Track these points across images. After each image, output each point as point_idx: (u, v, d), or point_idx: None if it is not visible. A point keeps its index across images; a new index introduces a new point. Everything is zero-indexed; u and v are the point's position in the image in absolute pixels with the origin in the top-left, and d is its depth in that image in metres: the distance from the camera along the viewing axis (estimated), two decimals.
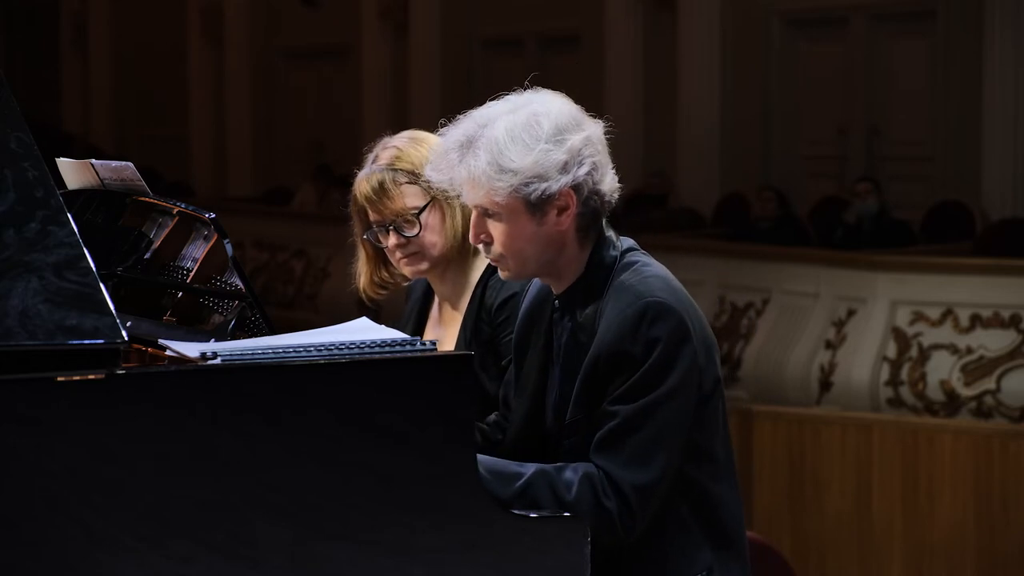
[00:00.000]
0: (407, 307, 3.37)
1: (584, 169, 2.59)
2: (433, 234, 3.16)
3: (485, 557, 2.44)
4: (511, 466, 2.58)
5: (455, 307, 3.25)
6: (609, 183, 2.64)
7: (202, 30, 17.43)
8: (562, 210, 2.60)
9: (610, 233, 2.68)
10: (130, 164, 3.30)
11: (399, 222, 3.15)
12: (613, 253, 2.66)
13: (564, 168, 2.57)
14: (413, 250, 3.16)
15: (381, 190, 3.14)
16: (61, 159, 3.41)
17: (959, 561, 7.55)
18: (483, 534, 2.43)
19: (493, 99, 2.66)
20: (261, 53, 17.07)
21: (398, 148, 3.17)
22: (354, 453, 2.35)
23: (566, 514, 2.52)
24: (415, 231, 3.14)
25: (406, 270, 3.22)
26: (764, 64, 12.45)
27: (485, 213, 2.63)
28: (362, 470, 2.36)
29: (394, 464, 2.37)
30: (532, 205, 2.59)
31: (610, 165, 2.65)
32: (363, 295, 3.30)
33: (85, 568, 2.24)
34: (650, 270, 2.64)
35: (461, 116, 2.65)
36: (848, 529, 7.81)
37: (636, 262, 2.66)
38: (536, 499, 2.53)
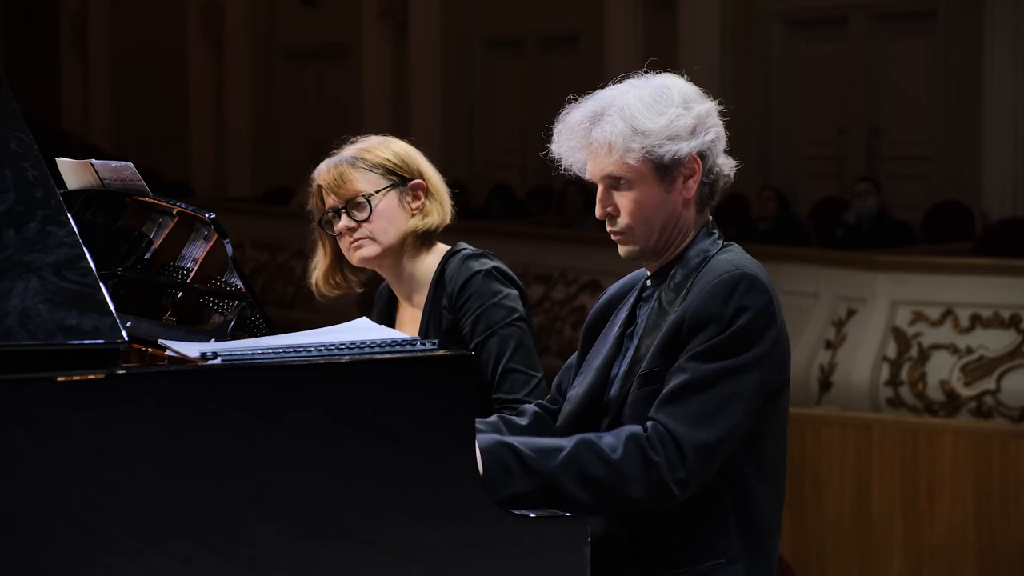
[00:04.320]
0: (373, 317, 3.38)
1: (710, 136, 2.67)
2: (384, 221, 3.20)
3: (485, 557, 2.44)
4: (549, 441, 2.57)
5: (415, 304, 3.29)
6: (725, 160, 2.71)
7: (202, 30, 17.44)
8: (688, 177, 2.67)
9: (716, 230, 2.73)
10: (130, 164, 3.30)
11: (349, 207, 3.20)
12: (717, 242, 2.71)
13: (693, 132, 2.65)
14: (363, 234, 3.20)
15: (339, 175, 3.20)
16: (61, 159, 3.41)
17: (959, 561, 7.55)
18: (483, 534, 2.43)
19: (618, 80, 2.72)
20: (261, 53, 17.07)
21: (363, 142, 3.26)
22: (354, 453, 2.35)
23: (567, 514, 2.51)
24: (365, 214, 3.19)
25: (354, 256, 3.24)
26: (764, 64, 12.45)
27: (614, 185, 2.67)
28: (362, 470, 2.36)
29: (394, 464, 2.37)
30: (663, 168, 2.65)
31: (725, 143, 2.72)
32: (315, 290, 3.33)
33: (85, 568, 2.24)
34: (749, 255, 2.69)
35: (580, 99, 2.71)
36: (848, 529, 7.81)
37: (735, 250, 2.71)
38: (582, 466, 2.52)
